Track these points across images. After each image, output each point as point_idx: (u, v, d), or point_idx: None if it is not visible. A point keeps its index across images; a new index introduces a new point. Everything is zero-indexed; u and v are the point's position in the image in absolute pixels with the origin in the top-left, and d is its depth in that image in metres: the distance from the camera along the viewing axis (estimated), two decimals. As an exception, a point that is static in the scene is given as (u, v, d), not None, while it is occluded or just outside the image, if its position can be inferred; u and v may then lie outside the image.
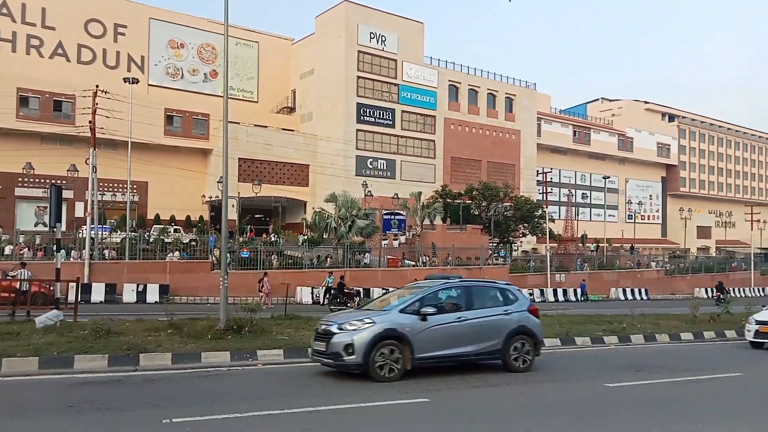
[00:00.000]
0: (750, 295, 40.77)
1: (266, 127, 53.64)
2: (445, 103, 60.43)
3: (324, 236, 37.07)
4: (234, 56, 53.35)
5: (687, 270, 53.02)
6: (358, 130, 54.95)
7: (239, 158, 47.64)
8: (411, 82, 57.92)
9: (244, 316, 13.25)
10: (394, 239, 43.57)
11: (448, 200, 49.11)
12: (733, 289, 46.40)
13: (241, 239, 34.73)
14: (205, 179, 48.51)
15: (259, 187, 38.04)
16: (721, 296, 30.09)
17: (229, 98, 16.96)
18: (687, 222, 76.20)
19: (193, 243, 32.61)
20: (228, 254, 17.95)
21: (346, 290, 26.18)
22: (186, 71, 54.88)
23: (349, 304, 23.92)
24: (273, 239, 37.35)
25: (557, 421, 6.98)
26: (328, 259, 33.88)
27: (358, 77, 54.76)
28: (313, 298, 29.65)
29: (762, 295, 45.88)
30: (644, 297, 43.14)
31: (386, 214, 43.57)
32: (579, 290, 39.89)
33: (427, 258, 38.75)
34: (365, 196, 43.15)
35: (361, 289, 28.68)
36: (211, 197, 46.25)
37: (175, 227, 38.26)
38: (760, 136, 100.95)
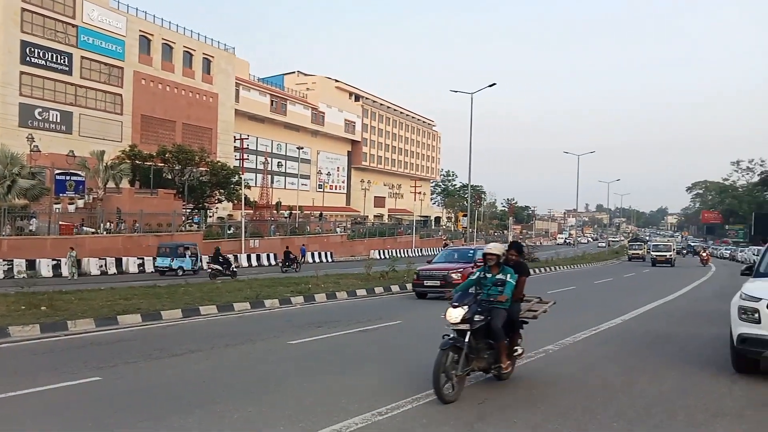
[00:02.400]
0: (411, 255, 48.13)
1: None
2: (135, 54, 55.05)
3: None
4: None
5: (365, 234, 59.87)
6: (22, 73, 46.26)
7: None
8: (93, 26, 51.03)
9: None
10: (70, 203, 38.31)
11: (138, 162, 45.16)
12: (399, 251, 54.42)
13: None
14: None
15: None
16: (287, 262, 33.30)
17: None
18: (366, 192, 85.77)
19: None
20: None
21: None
22: None
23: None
24: None
25: (236, 384, 7.01)
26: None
27: (23, 9, 45.85)
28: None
29: (420, 255, 54.56)
30: (330, 259, 47.19)
31: (59, 174, 37.75)
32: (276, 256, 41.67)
33: (111, 224, 35.14)
34: (31, 151, 36.70)
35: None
36: None
37: None
38: (424, 121, 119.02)
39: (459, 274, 16.47)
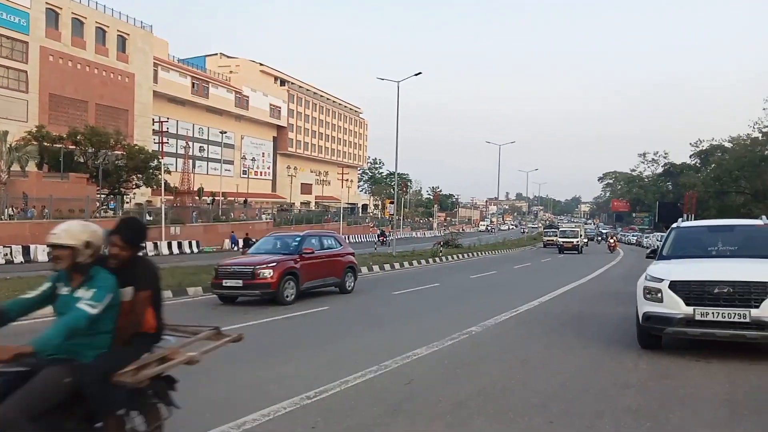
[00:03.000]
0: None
1: None
2: (41, 29, 51.35)
3: None
4: None
5: (292, 221, 59.22)
6: None
7: None
8: (-8, -5, 47.09)
9: None
10: (-32, 187, 35.46)
11: (46, 144, 42.29)
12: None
13: None
14: None
15: None
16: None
17: None
18: (293, 179, 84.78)
19: None
20: None
21: None
22: None
23: None
24: None
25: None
26: None
27: None
28: None
29: (348, 242, 54.68)
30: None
31: (-44, 155, 34.91)
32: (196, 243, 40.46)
33: (15, 210, 32.84)
34: None
35: None
36: None
37: None
38: (351, 108, 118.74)
39: (271, 271, 12.79)
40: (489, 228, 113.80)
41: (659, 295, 7.45)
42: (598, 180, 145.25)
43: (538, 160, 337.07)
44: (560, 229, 52.00)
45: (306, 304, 12.96)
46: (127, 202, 48.55)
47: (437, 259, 30.81)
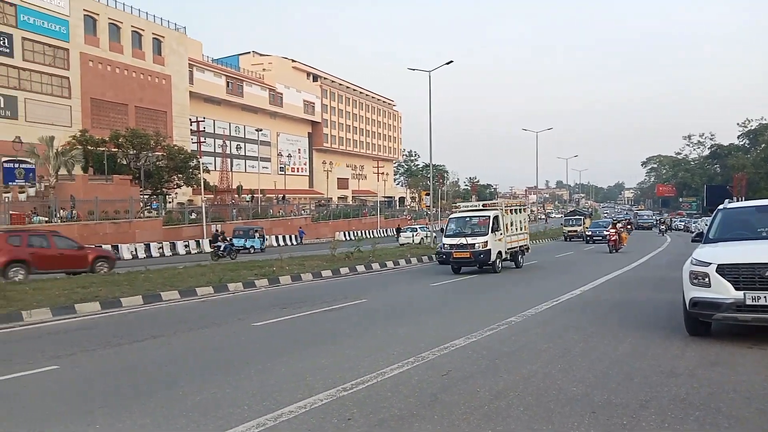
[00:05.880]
0: (377, 236, 48.21)
1: None
2: (80, 35, 52.88)
3: None
4: None
5: (329, 216, 59.65)
6: (-40, 56, 43.89)
7: None
8: (33, 5, 48.64)
9: None
10: (21, 192, 36.95)
11: (90, 147, 43.65)
12: (364, 232, 54.44)
13: None
14: None
15: None
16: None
17: None
18: (329, 174, 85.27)
19: None
20: None
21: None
22: None
23: None
24: None
25: (199, 367, 6.93)
26: None
27: (-43, -12, 43.40)
28: None
29: (386, 235, 54.71)
30: (295, 242, 46.93)
31: (7, 161, 36.47)
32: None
33: (63, 212, 34.01)
34: (-25, 139, 35.06)
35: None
36: None
37: None
38: (384, 101, 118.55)
39: None
40: (539, 217, 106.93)
41: (706, 279, 7.14)
42: (642, 165, 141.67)
43: (578, 147, 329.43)
44: (564, 218, 45.84)
45: (341, 298, 12.99)
46: (170, 202, 49.71)
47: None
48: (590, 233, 37.57)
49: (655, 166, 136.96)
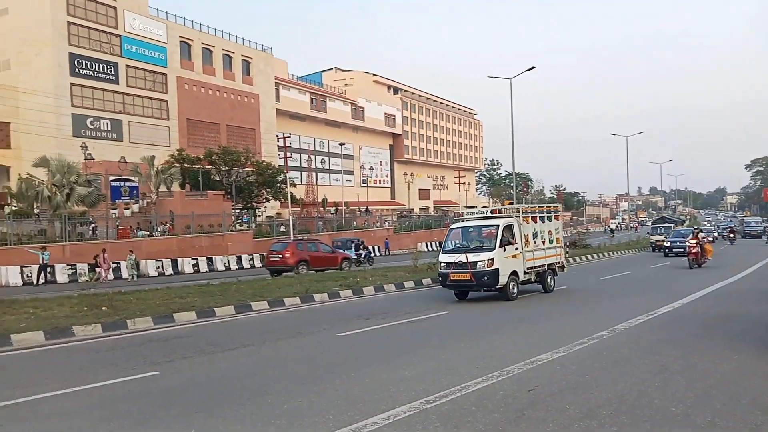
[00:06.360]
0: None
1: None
2: (177, 60, 56.49)
3: (35, 207, 31.92)
4: None
5: (411, 227, 59.83)
6: (72, 84, 48.00)
7: None
8: (135, 35, 52.56)
9: None
10: (126, 208, 39.76)
11: (186, 165, 46.43)
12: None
13: None
14: None
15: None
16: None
17: None
18: (410, 185, 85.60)
19: None
20: None
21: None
22: None
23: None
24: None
25: (286, 376, 7.12)
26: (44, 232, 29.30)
27: (69, 23, 47.57)
28: (23, 278, 25.45)
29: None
30: (380, 253, 47.48)
31: (114, 180, 39.34)
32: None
33: (163, 226, 36.28)
34: (86, 159, 38.17)
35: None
36: None
37: None
38: (464, 110, 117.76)
39: None
40: (620, 226, 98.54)
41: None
42: (746, 168, 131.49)
43: (673, 152, 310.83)
44: (652, 225, 40.98)
45: (422, 309, 12.93)
46: (259, 216, 51.83)
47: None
48: (669, 244, 32.67)
49: (762, 168, 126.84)
